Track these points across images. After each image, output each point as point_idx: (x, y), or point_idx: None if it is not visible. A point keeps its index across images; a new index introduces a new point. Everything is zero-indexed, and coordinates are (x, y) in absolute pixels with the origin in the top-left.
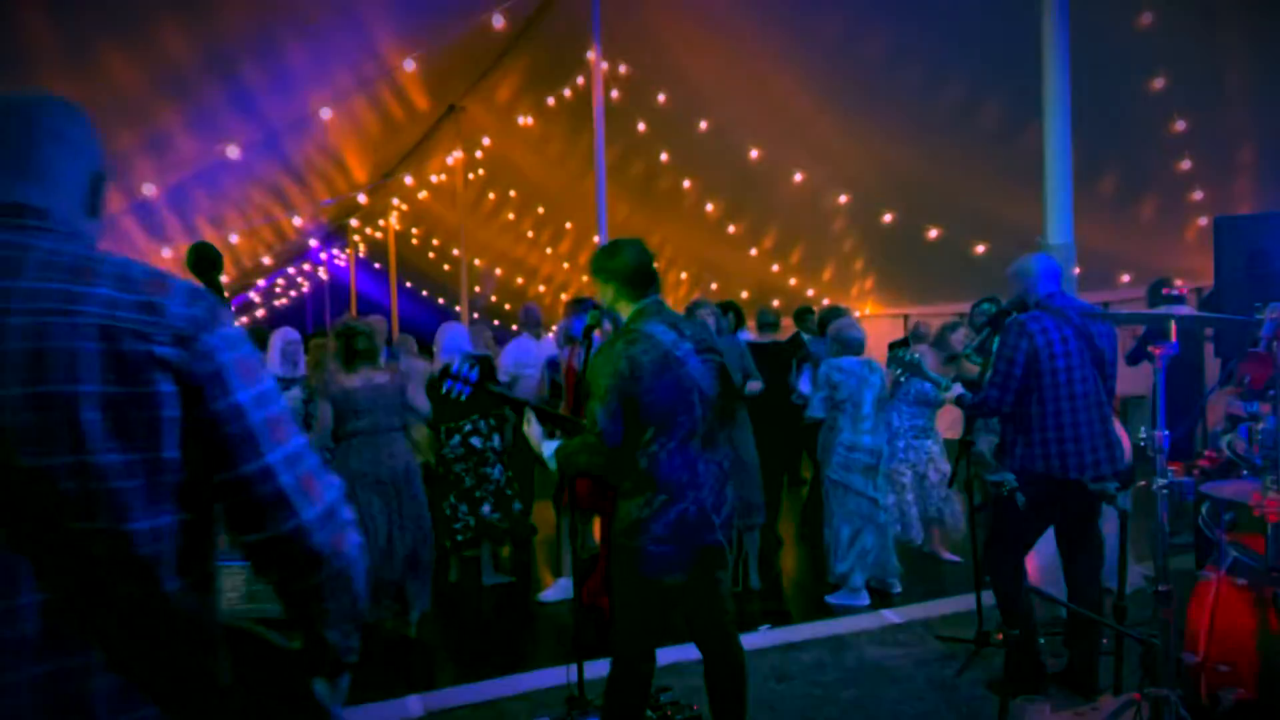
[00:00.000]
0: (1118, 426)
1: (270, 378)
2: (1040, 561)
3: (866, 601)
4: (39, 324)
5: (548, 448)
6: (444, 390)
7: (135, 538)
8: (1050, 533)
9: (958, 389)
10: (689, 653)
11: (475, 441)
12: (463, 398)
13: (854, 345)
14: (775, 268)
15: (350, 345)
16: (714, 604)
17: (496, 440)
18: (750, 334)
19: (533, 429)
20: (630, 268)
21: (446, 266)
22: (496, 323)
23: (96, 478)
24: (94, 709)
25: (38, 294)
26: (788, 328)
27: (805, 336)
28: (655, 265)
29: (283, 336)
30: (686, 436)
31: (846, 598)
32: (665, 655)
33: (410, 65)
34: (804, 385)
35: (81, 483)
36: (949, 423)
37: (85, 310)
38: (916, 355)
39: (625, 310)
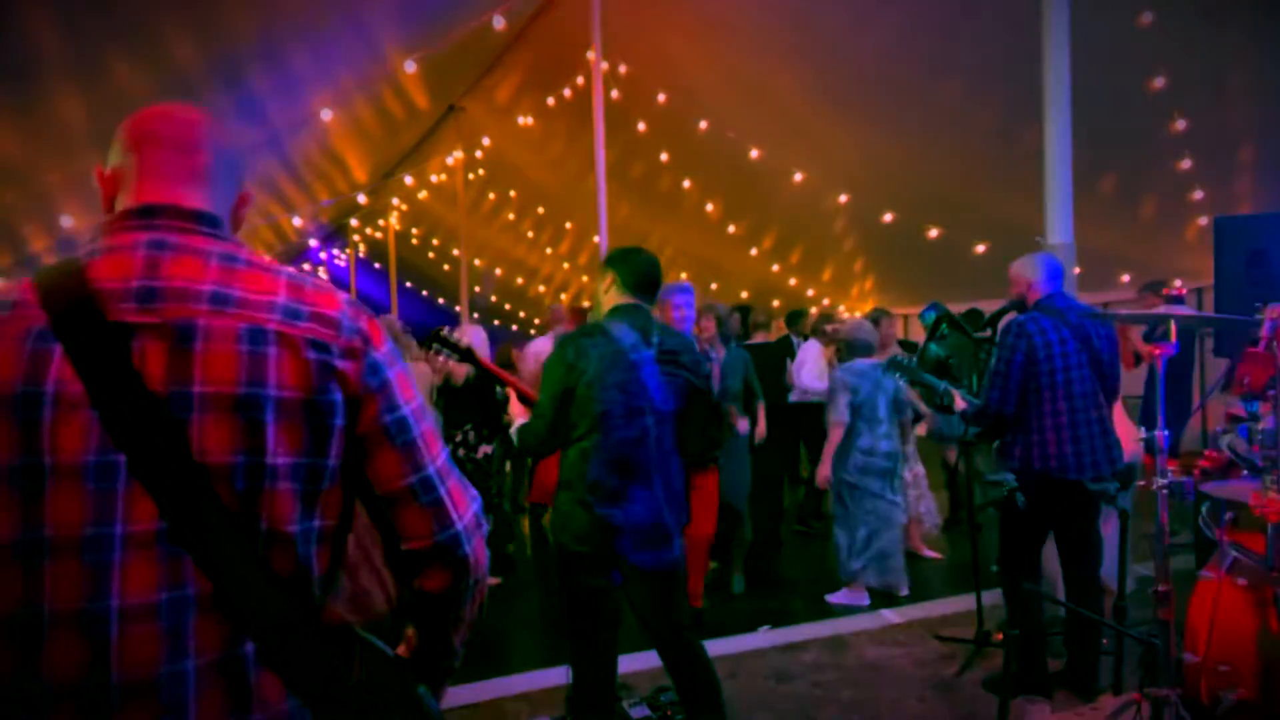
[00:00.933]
0: (1128, 424)
1: (420, 393)
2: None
3: (867, 602)
4: (225, 328)
5: (517, 424)
6: (432, 350)
7: (293, 539)
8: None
9: (958, 400)
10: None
11: (460, 453)
12: (453, 357)
13: (865, 349)
14: (775, 268)
15: None
16: (657, 616)
17: (481, 453)
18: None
19: (513, 407)
20: (638, 270)
21: (446, 266)
22: (497, 323)
23: (268, 479)
24: (247, 700)
25: (222, 298)
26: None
27: (794, 340)
28: (661, 276)
29: None
30: (624, 443)
31: (848, 598)
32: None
33: (411, 66)
34: (808, 381)
35: (253, 483)
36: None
37: (268, 317)
38: (914, 360)
39: (609, 303)
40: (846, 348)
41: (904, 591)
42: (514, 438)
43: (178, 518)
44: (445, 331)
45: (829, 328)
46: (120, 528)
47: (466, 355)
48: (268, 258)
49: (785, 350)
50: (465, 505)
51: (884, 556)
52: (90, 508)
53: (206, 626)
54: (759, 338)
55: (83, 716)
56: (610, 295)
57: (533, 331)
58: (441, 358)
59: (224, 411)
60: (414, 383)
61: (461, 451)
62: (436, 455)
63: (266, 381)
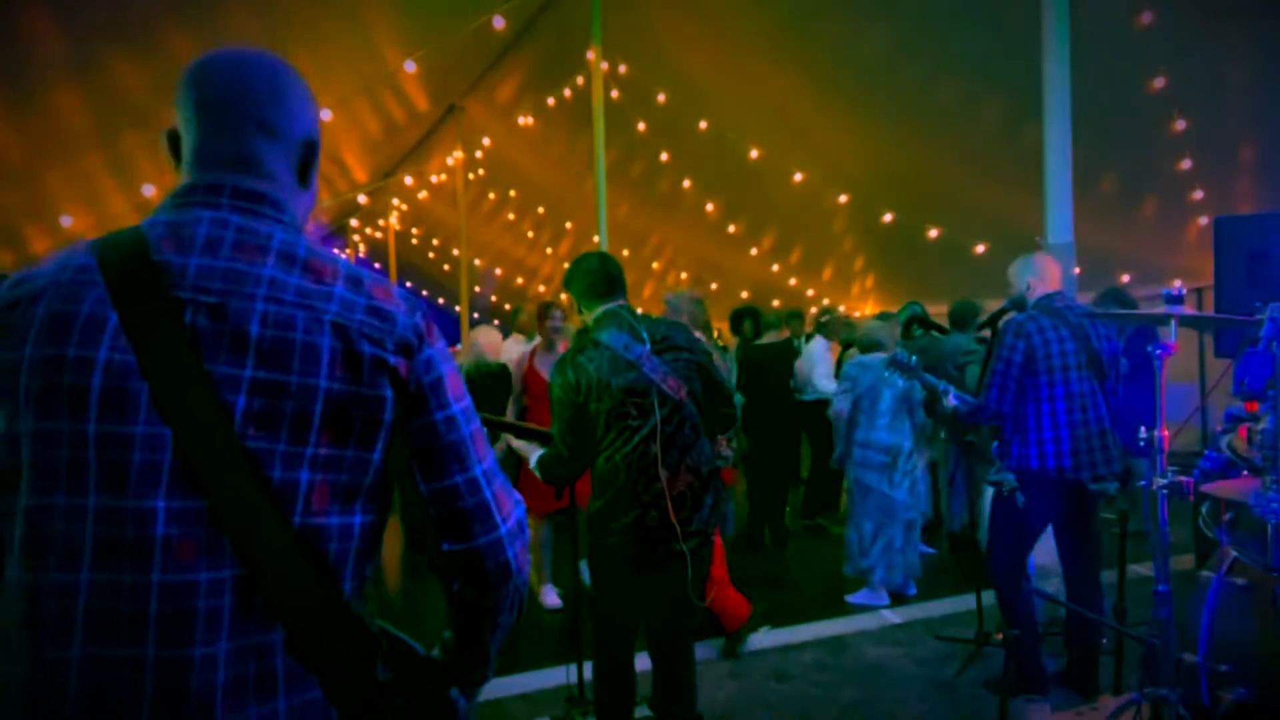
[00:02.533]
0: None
1: (469, 394)
2: (1040, 561)
3: (886, 602)
4: (281, 314)
5: (533, 458)
6: None
7: (328, 531)
8: (1049, 532)
9: (953, 397)
10: None
11: None
12: None
13: (878, 346)
14: (775, 268)
15: None
16: (667, 612)
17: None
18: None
19: (516, 441)
20: (590, 277)
21: (446, 266)
22: (496, 322)
23: (308, 469)
24: (274, 686)
25: (281, 285)
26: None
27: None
28: (618, 265)
29: None
30: (643, 440)
31: (869, 597)
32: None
33: (411, 66)
34: (821, 382)
35: (292, 472)
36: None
37: (325, 307)
38: (915, 358)
39: (591, 319)
40: (861, 345)
41: (911, 591)
42: (536, 471)
43: (218, 497)
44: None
45: (824, 319)
46: (163, 502)
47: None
48: (323, 246)
49: (790, 350)
50: (509, 509)
51: (890, 551)
52: (136, 479)
53: (240, 609)
54: (769, 338)
55: (114, 690)
56: (588, 314)
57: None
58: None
59: (273, 397)
60: (464, 383)
61: None
62: (484, 457)
63: (318, 372)
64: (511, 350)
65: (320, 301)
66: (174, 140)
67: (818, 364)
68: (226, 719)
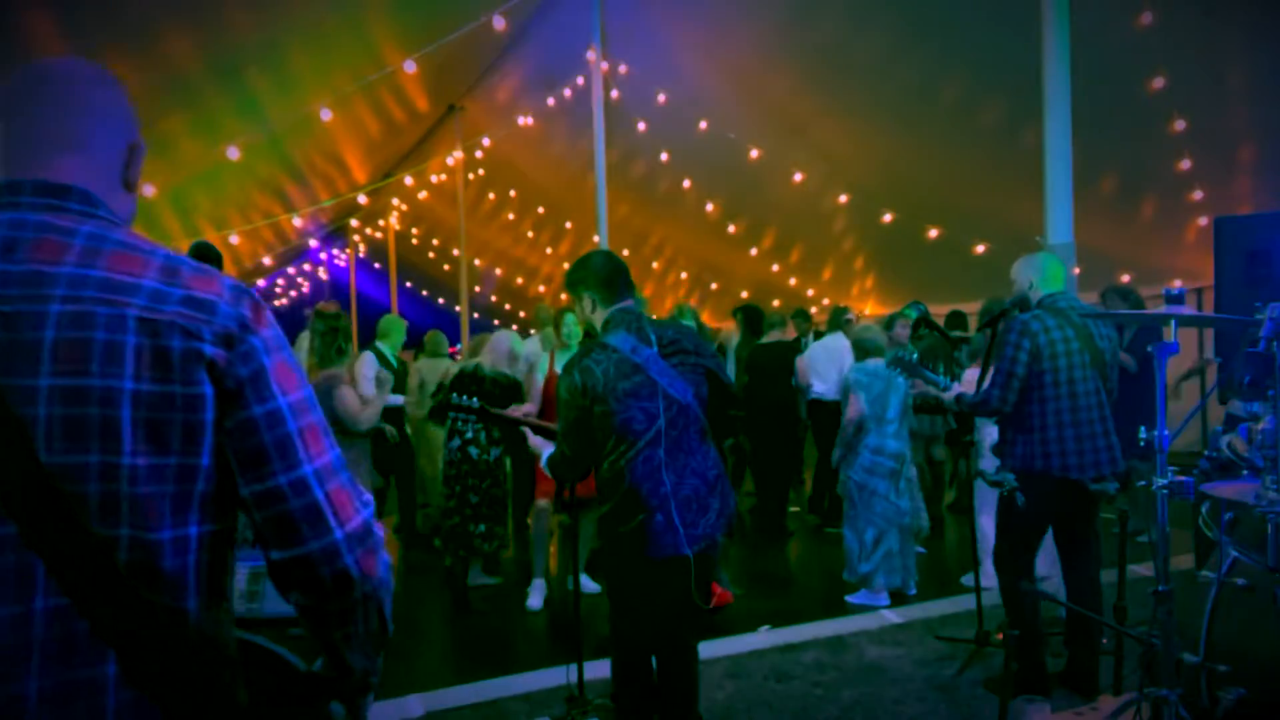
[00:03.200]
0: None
1: (308, 385)
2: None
3: (886, 602)
4: (80, 313)
5: (545, 455)
6: (449, 420)
7: (160, 547)
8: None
9: (956, 388)
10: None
11: (473, 451)
12: (471, 421)
13: (873, 349)
14: (775, 267)
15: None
16: (672, 616)
17: (494, 453)
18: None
19: (531, 440)
20: (598, 276)
21: (446, 266)
22: (496, 322)
23: (126, 480)
24: None
25: (81, 281)
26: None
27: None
28: (623, 263)
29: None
30: (648, 444)
31: (868, 598)
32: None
33: (410, 66)
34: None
35: (108, 485)
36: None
37: (130, 301)
38: (915, 355)
39: (599, 319)
40: (858, 349)
41: (911, 591)
42: (546, 469)
43: (27, 521)
44: (454, 398)
45: (847, 317)
46: None
47: (482, 414)
48: (145, 237)
49: (794, 349)
50: (350, 511)
51: (890, 556)
52: None
53: (60, 642)
54: (773, 336)
55: None
56: (596, 314)
57: (532, 331)
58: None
59: (73, 406)
60: (301, 375)
61: (475, 451)
62: (318, 454)
63: (123, 373)
64: (531, 347)
65: (124, 295)
66: None
67: (817, 364)
68: None
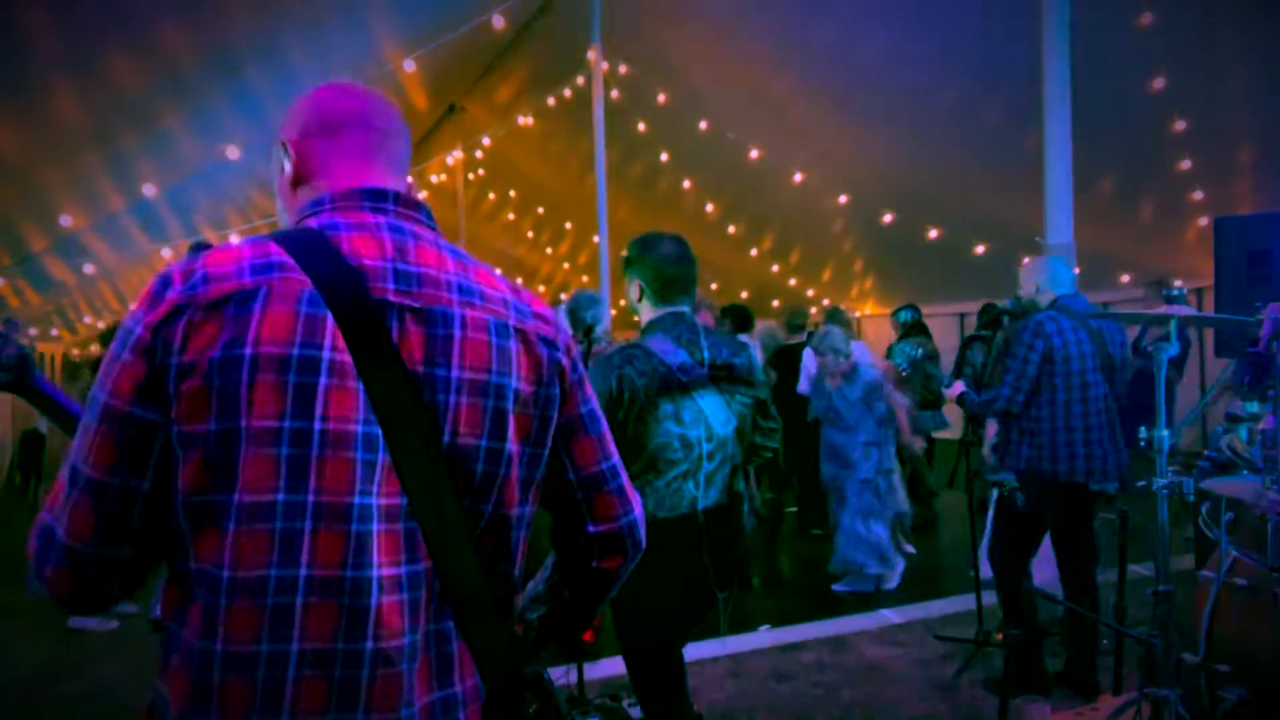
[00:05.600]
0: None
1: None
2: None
3: (873, 588)
4: (477, 318)
5: None
6: None
7: (515, 522)
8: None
9: (960, 386)
10: (689, 652)
11: None
12: None
13: (841, 353)
14: (775, 268)
15: None
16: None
17: None
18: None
19: None
20: (659, 266)
21: None
22: None
23: (504, 464)
24: (450, 672)
25: (467, 289)
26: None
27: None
28: (693, 257)
29: None
30: (679, 477)
31: (854, 584)
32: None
33: (410, 65)
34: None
35: (492, 467)
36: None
37: (506, 312)
38: (920, 352)
39: (646, 315)
40: (830, 351)
41: (892, 584)
42: None
43: (419, 494)
44: None
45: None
46: (377, 499)
47: None
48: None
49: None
50: (636, 495)
51: (878, 547)
52: (358, 477)
53: (427, 599)
54: (795, 339)
55: (333, 681)
56: (644, 306)
57: None
58: None
59: (476, 397)
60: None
61: None
62: (615, 449)
63: (512, 372)
64: None
65: (499, 307)
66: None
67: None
68: (418, 701)
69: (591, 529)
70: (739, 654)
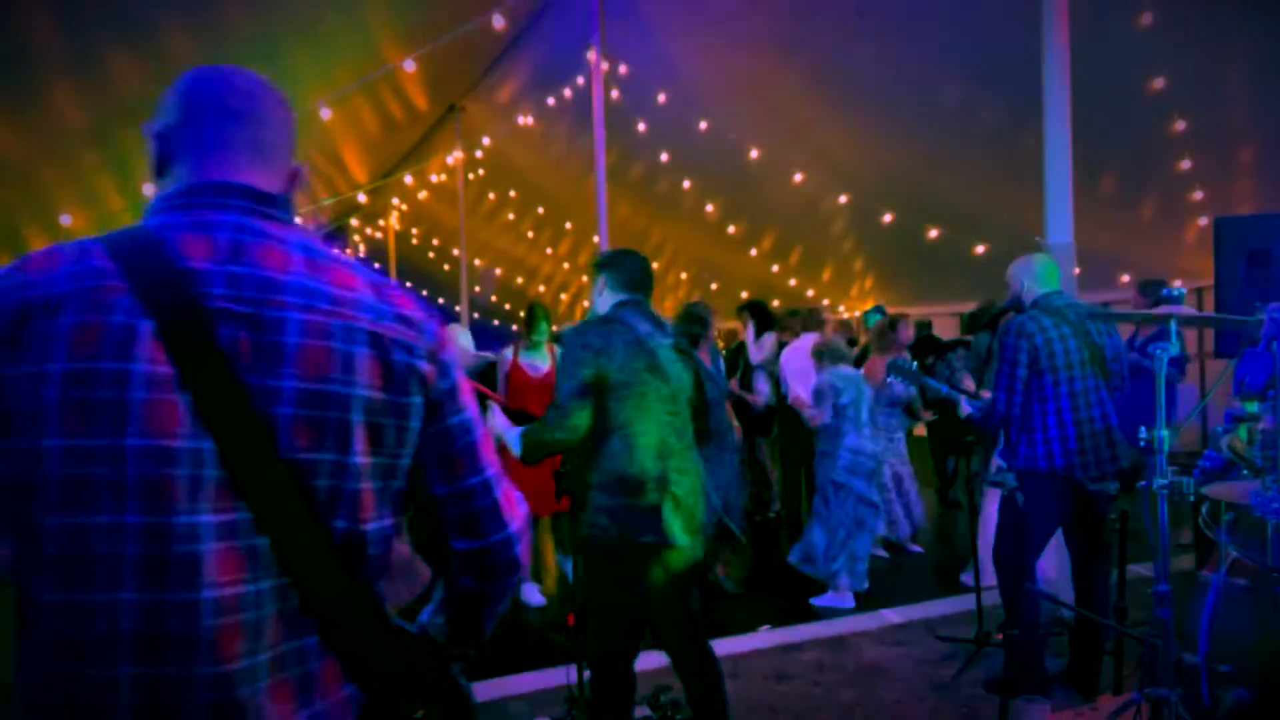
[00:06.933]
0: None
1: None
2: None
3: (852, 604)
4: (318, 322)
5: (512, 433)
6: None
7: (368, 537)
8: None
9: (966, 408)
10: None
11: None
12: None
13: (844, 356)
14: (775, 268)
15: None
16: (673, 609)
17: None
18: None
19: (496, 419)
20: (624, 267)
21: (446, 266)
22: (496, 322)
23: (351, 478)
24: (312, 689)
25: (311, 292)
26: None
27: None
28: (653, 272)
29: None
30: (656, 428)
31: (834, 600)
32: (665, 655)
33: (410, 65)
34: (760, 385)
35: (336, 481)
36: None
37: (358, 315)
38: (914, 363)
39: (605, 303)
40: (828, 356)
41: (848, 603)
42: (513, 447)
43: (261, 509)
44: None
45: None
46: (208, 517)
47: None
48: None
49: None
50: (516, 509)
51: (855, 559)
52: (181, 494)
53: (280, 618)
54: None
55: (166, 706)
56: (605, 296)
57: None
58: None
59: (313, 408)
60: (472, 391)
61: None
62: (493, 460)
63: (356, 381)
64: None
65: (351, 309)
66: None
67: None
68: None
69: (458, 545)
70: (739, 654)
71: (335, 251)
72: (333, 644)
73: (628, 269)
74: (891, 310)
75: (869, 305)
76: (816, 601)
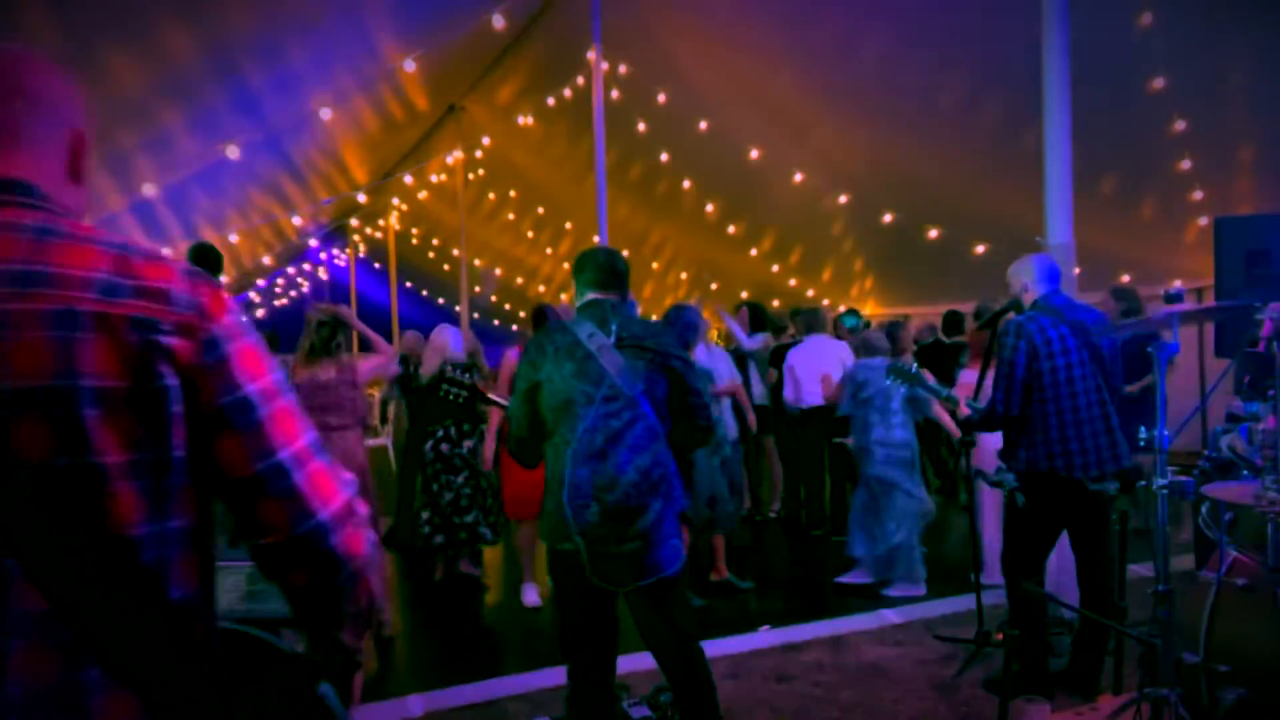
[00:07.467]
0: None
1: (277, 369)
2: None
3: (924, 590)
4: (32, 311)
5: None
6: (441, 394)
7: (138, 545)
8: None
9: (965, 410)
10: None
11: (444, 448)
12: (460, 400)
13: (881, 349)
14: (775, 268)
15: (308, 339)
16: (651, 615)
17: (465, 447)
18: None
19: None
20: (597, 268)
21: (446, 266)
22: (496, 322)
23: (99, 480)
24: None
25: (30, 278)
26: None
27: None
28: (625, 265)
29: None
30: (588, 430)
31: (856, 577)
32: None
33: (410, 65)
34: (754, 385)
35: (80, 487)
36: None
37: (82, 296)
38: (916, 366)
39: (578, 304)
40: (864, 349)
41: (920, 590)
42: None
43: (1, 527)
44: (449, 371)
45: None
46: None
47: (473, 392)
48: (96, 228)
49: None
50: (332, 492)
51: (907, 550)
52: None
53: (39, 649)
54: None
55: None
56: (577, 299)
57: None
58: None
59: (35, 408)
60: (266, 358)
61: (445, 447)
62: (294, 438)
63: (81, 371)
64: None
65: (77, 290)
66: None
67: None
68: None
69: (260, 541)
70: (739, 654)
71: (89, 229)
72: (119, 675)
73: (591, 269)
74: (892, 310)
75: (869, 305)
76: (889, 592)
